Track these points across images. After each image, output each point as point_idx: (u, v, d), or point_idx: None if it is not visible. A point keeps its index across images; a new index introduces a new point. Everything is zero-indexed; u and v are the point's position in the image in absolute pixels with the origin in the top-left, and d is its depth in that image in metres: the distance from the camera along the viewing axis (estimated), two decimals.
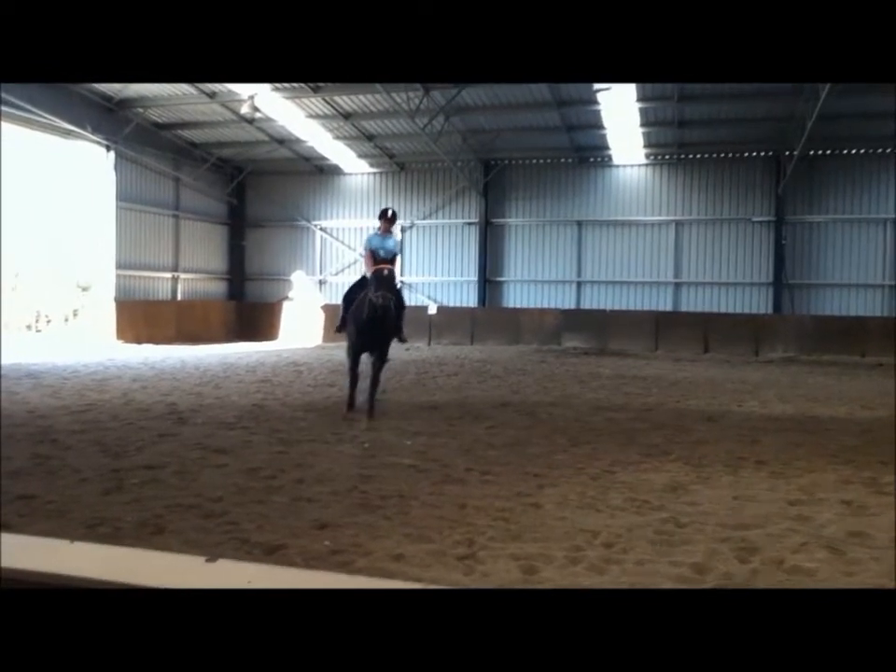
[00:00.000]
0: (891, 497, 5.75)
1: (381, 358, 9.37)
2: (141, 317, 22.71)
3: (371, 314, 8.88)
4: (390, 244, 9.63)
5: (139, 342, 21.46)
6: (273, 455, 6.91)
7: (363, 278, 9.71)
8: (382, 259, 9.16)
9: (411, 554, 4.22)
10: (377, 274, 8.85)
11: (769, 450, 7.57)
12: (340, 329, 9.86)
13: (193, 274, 25.92)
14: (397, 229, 18.58)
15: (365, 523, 4.85)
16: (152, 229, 24.02)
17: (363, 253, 10.22)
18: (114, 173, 22.35)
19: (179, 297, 25.27)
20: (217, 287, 27.31)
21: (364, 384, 9.43)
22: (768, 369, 17.68)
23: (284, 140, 24.24)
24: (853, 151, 21.96)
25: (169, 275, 24.85)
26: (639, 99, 19.47)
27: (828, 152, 22.01)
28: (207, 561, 1.75)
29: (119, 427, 8.18)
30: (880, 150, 21.72)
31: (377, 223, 9.86)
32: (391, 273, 8.91)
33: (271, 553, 4.18)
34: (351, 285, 10.04)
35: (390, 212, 9.79)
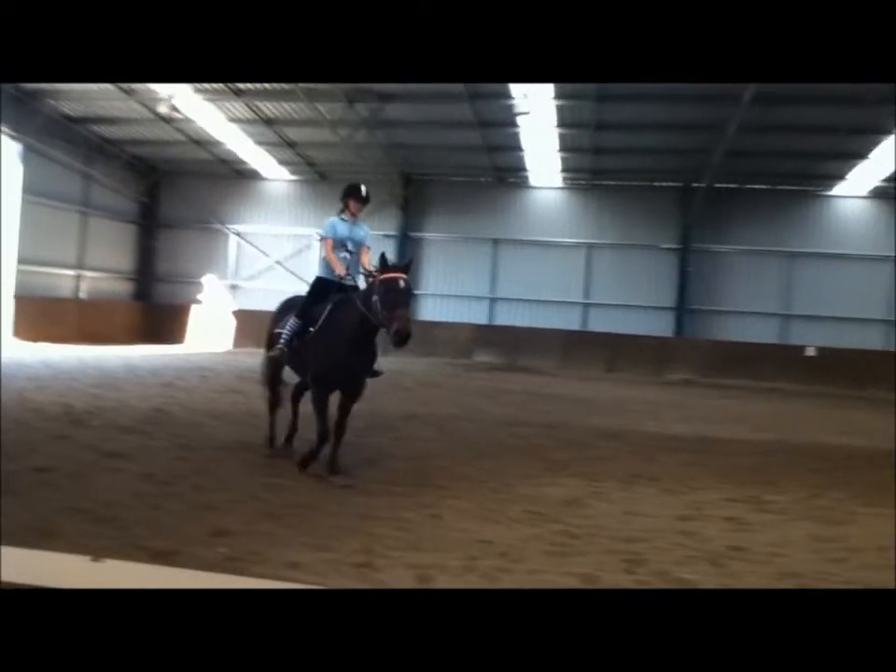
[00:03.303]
0: (772, 515, 6.09)
1: (355, 398, 6.93)
2: (40, 315, 21.73)
3: (360, 337, 6.55)
4: (360, 233, 7.28)
5: (37, 340, 20.55)
6: (171, 461, 6.77)
7: (321, 283, 7.11)
8: (351, 252, 7.08)
9: (307, 562, 4.23)
10: (390, 287, 6.30)
11: (663, 468, 7.88)
12: (277, 357, 7.17)
13: (99, 273, 25.00)
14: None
15: (264, 531, 4.82)
16: (58, 224, 23.04)
17: (321, 240, 7.71)
18: (21, 165, 21.42)
19: (83, 295, 24.35)
20: (124, 288, 26.43)
21: (284, 416, 7.77)
22: (669, 390, 18.33)
23: (202, 142, 23.71)
24: (756, 187, 23.13)
25: (73, 273, 23.91)
26: (558, 125, 19.97)
27: (733, 186, 23.11)
28: (93, 560, 1.75)
29: (11, 429, 7.83)
30: (781, 188, 22.95)
31: (330, 217, 7.25)
32: (408, 285, 6.43)
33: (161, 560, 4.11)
34: (296, 297, 7.59)
35: (364, 189, 7.42)
